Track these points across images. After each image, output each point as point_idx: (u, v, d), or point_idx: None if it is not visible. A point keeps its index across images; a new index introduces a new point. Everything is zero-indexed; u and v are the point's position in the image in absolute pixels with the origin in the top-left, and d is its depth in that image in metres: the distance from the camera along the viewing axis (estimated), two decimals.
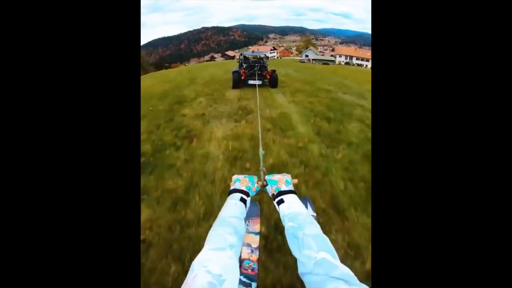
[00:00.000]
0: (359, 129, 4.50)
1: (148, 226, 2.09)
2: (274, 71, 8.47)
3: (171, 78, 12.77)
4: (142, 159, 3.30)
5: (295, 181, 0.93)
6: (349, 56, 54.36)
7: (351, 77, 13.55)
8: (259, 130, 1.82)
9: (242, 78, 7.87)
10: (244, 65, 8.44)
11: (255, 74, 7.67)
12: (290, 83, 10.01)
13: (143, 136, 4.13)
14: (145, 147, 3.72)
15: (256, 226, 1.44)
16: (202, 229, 2.00)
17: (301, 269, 0.59)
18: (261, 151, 1.17)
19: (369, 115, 5.31)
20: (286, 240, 0.68)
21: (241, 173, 0.99)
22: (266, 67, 8.55)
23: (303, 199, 1.78)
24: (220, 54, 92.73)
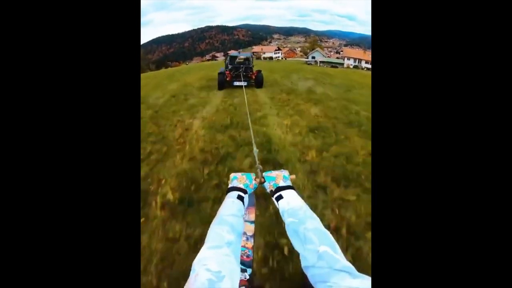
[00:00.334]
0: None
1: None
2: (259, 71, 8.32)
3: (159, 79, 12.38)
4: None
5: (293, 176, 0.93)
6: (358, 59, 49.39)
7: None
8: (251, 130, 1.80)
9: (228, 79, 7.75)
10: (230, 66, 8.31)
11: (240, 75, 7.58)
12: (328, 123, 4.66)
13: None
14: None
15: (252, 215, 1.43)
16: None
17: (304, 263, 0.61)
18: (255, 150, 1.20)
19: None
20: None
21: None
22: (251, 68, 8.40)
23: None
24: (222, 53, 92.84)
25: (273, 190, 0.85)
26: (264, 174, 0.94)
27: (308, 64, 38.97)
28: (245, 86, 6.66)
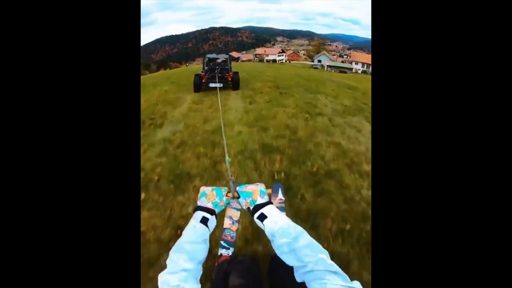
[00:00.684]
0: None
1: None
2: (236, 73, 7.99)
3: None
4: None
5: (269, 191, 0.87)
6: (367, 64, 45.84)
7: None
8: (224, 136, 1.62)
9: (203, 81, 7.53)
10: (206, 68, 8.10)
11: (216, 77, 7.36)
12: None
13: None
14: None
15: (239, 205, 1.71)
16: None
17: (300, 271, 0.64)
18: (227, 159, 1.08)
19: None
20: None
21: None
22: (227, 69, 8.03)
23: (275, 185, 1.94)
24: (224, 55, 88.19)
25: (251, 208, 0.80)
26: (238, 188, 0.87)
27: (314, 68, 37.13)
28: (220, 87, 6.50)
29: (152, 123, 4.76)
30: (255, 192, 0.83)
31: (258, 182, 0.89)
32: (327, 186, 2.58)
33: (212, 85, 7.35)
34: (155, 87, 9.06)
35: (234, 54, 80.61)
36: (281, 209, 1.81)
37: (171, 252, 0.70)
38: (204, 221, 0.77)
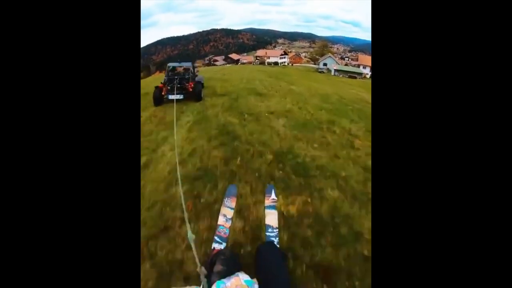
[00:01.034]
0: None
1: None
2: (198, 83, 6.99)
3: None
4: None
5: (255, 279, 0.80)
6: None
7: None
8: (181, 194, 1.23)
9: (163, 93, 6.61)
10: (165, 78, 7.12)
11: (174, 88, 6.48)
12: None
13: None
14: None
15: (233, 203, 2.00)
16: None
17: None
18: (189, 235, 0.87)
19: None
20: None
21: None
22: (188, 78, 6.92)
23: (269, 186, 1.95)
24: (222, 57, 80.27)
25: None
26: (217, 286, 0.73)
27: (320, 72, 34.38)
28: (180, 99, 5.98)
29: None
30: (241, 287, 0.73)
31: (237, 271, 0.81)
32: None
33: (171, 97, 6.44)
34: None
35: (234, 56, 78.02)
36: (273, 207, 2.00)
37: None
38: None
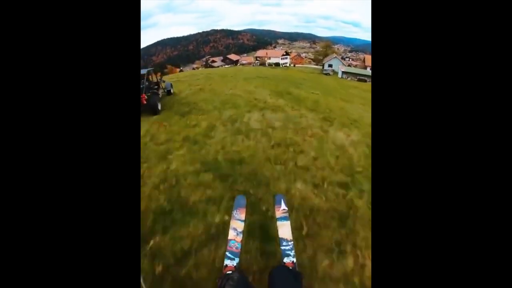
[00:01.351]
0: None
1: None
2: (154, 94, 6.11)
3: None
4: None
5: None
6: None
7: None
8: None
9: None
10: None
11: None
12: None
13: None
14: None
15: (242, 215, 1.82)
16: None
17: None
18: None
19: None
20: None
21: None
22: (141, 88, 5.92)
23: (277, 197, 1.99)
24: (221, 58, 73.89)
25: None
26: None
27: (325, 74, 32.13)
28: None
29: None
30: None
31: None
32: None
33: None
34: None
35: (233, 57, 73.55)
36: (285, 218, 1.79)
37: None
38: None
